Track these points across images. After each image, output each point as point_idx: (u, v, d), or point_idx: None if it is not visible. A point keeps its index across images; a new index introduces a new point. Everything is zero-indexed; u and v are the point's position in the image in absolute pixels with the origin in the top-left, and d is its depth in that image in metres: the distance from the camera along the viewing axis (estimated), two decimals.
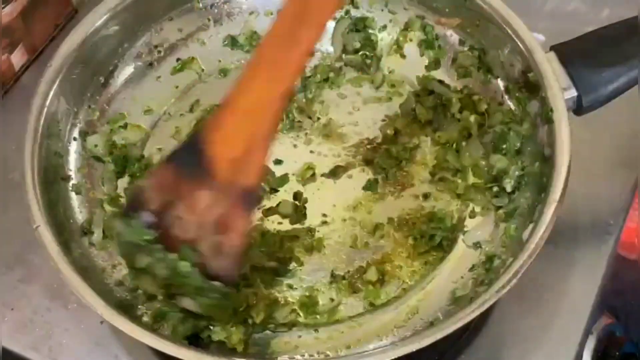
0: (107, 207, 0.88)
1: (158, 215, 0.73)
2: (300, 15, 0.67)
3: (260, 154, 0.70)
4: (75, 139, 0.92)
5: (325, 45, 1.00)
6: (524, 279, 0.76)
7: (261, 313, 0.81)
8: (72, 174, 0.90)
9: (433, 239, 0.86)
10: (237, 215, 0.71)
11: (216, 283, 0.74)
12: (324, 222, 0.89)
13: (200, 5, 0.99)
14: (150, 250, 0.74)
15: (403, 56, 0.98)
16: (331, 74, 0.98)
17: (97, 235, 0.87)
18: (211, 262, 0.73)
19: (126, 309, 0.80)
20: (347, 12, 0.99)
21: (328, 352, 0.80)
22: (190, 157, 0.69)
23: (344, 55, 0.99)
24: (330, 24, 0.99)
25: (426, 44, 0.96)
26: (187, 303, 0.75)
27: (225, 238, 0.72)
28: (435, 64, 0.96)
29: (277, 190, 0.91)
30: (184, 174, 0.70)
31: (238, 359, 0.79)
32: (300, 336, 0.82)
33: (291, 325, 0.83)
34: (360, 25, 0.98)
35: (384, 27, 0.99)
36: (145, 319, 0.81)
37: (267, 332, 0.82)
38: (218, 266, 0.73)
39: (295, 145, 0.94)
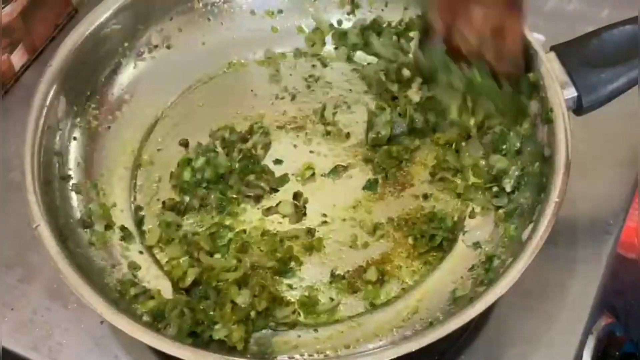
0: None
1: (446, 37, 0.83)
2: None
3: None
4: (75, 138, 0.92)
5: (327, 45, 1.01)
6: (524, 279, 0.76)
7: (263, 302, 0.81)
8: (72, 173, 0.90)
9: (433, 239, 0.86)
10: (509, 20, 0.80)
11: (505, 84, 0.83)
12: (324, 222, 0.89)
13: (200, 5, 1.00)
14: (448, 68, 0.85)
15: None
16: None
17: (98, 227, 0.87)
18: (498, 67, 0.83)
19: (127, 309, 0.80)
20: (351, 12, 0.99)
21: (328, 352, 0.80)
22: None
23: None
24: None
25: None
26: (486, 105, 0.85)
27: (504, 43, 0.81)
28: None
29: (277, 190, 0.91)
30: None
31: (238, 359, 0.79)
32: (300, 336, 0.82)
33: (291, 324, 0.83)
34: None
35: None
36: (145, 318, 0.81)
37: (267, 331, 0.82)
38: (505, 68, 0.83)
39: (295, 145, 0.95)
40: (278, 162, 0.93)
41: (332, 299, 0.85)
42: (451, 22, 0.82)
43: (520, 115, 0.87)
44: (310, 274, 0.86)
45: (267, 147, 0.94)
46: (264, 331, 0.82)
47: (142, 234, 0.89)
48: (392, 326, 0.82)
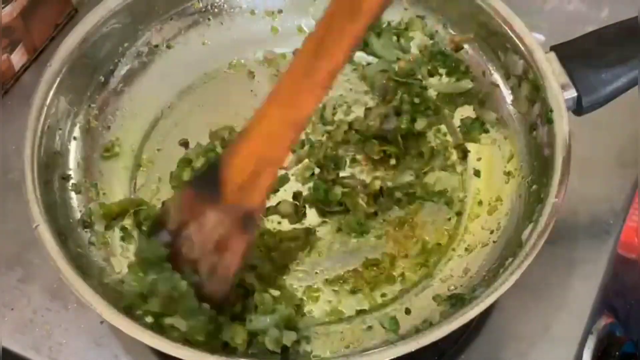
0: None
1: (174, 235, 0.76)
2: (316, 52, 0.69)
3: (266, 179, 0.73)
4: (75, 138, 0.91)
5: None
6: (524, 279, 0.76)
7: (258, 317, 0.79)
8: (72, 173, 0.90)
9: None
10: (235, 237, 0.74)
11: (205, 305, 0.75)
12: (324, 222, 0.89)
13: (200, 5, 0.99)
14: (160, 268, 0.76)
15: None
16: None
17: (97, 227, 0.87)
18: (205, 283, 0.75)
19: (126, 308, 0.80)
20: None
21: (327, 352, 0.80)
22: (207, 180, 0.73)
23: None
24: None
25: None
26: (175, 322, 0.75)
27: (221, 259, 0.74)
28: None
29: (277, 190, 0.91)
30: (199, 196, 0.74)
31: (239, 359, 0.79)
32: (299, 336, 0.82)
33: (290, 325, 0.83)
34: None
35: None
36: (146, 319, 0.81)
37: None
38: (210, 287, 0.76)
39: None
40: None
41: (331, 300, 0.85)
42: (184, 222, 0.75)
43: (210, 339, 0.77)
44: (310, 274, 0.86)
45: None
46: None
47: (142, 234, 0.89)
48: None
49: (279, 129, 0.71)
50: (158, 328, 0.75)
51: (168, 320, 0.74)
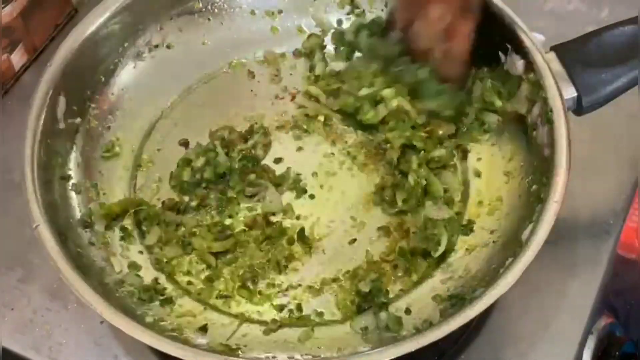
0: None
1: (404, 32, 0.87)
2: None
3: None
4: (75, 138, 0.91)
5: (328, 46, 1.01)
6: (524, 279, 0.76)
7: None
8: (72, 173, 0.90)
9: (432, 240, 0.86)
10: (461, 22, 0.83)
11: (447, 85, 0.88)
12: (324, 222, 0.89)
13: (200, 5, 0.99)
14: (398, 61, 0.88)
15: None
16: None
17: (97, 227, 0.87)
18: (443, 68, 0.87)
19: (126, 308, 0.80)
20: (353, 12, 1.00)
21: (327, 352, 0.80)
22: None
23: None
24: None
25: None
26: (426, 104, 0.88)
27: (453, 44, 0.85)
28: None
29: (279, 185, 0.91)
30: None
31: (238, 359, 0.79)
32: (299, 335, 0.82)
33: (289, 324, 0.83)
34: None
35: None
36: (148, 319, 0.81)
37: (266, 331, 0.83)
38: (447, 70, 0.87)
39: (295, 145, 0.94)
40: (278, 160, 0.93)
41: (330, 300, 0.85)
42: (410, 21, 0.85)
43: (460, 115, 0.90)
44: (310, 274, 0.86)
45: (267, 147, 0.94)
46: (263, 331, 0.82)
47: (142, 234, 0.89)
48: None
49: None
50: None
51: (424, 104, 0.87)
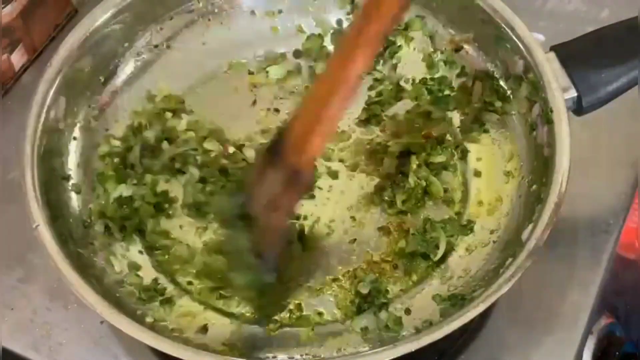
0: None
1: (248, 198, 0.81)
2: (368, 16, 0.72)
3: (316, 138, 0.74)
4: (75, 138, 0.91)
5: (328, 46, 1.01)
6: (524, 279, 0.76)
7: None
8: (72, 173, 0.90)
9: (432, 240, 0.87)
10: (285, 194, 0.76)
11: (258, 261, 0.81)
12: (324, 222, 0.89)
13: (200, 5, 0.99)
14: (234, 225, 0.82)
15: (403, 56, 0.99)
16: None
17: (97, 227, 0.87)
18: (261, 239, 0.80)
19: (126, 309, 0.80)
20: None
21: (327, 352, 0.80)
22: (276, 143, 0.76)
23: None
24: None
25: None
26: (236, 277, 0.82)
27: (276, 214, 0.78)
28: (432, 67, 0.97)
29: None
30: (266, 159, 0.77)
31: (238, 359, 0.79)
32: (299, 336, 0.82)
33: (289, 324, 0.83)
34: None
35: None
36: (148, 319, 0.81)
37: (266, 331, 0.83)
38: (264, 243, 0.80)
39: None
40: None
41: (330, 299, 0.85)
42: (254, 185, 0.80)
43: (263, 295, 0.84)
44: (309, 274, 0.86)
45: None
46: (263, 331, 0.82)
47: (141, 234, 0.89)
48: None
49: (331, 87, 0.73)
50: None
51: (232, 275, 0.81)
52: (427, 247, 0.85)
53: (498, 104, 0.91)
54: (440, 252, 0.85)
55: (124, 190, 0.87)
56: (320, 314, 0.84)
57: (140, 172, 0.89)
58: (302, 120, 0.74)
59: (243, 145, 0.94)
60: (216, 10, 1.00)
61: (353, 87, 0.72)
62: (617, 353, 0.99)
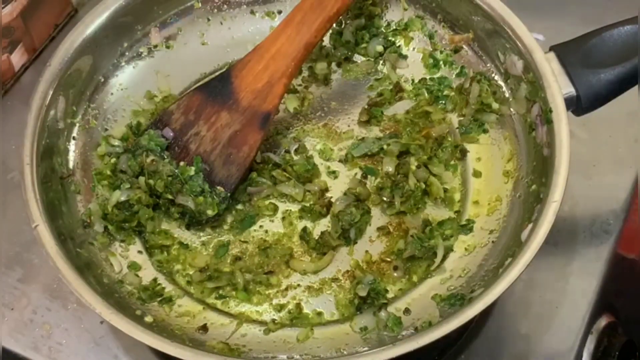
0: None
1: (178, 132, 0.90)
2: None
3: (279, 88, 0.88)
4: (74, 138, 0.92)
5: (328, 46, 1.01)
6: (524, 279, 0.76)
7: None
8: (71, 173, 0.90)
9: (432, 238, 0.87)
10: (252, 132, 0.88)
11: (218, 187, 0.88)
12: (324, 222, 0.89)
13: (200, 5, 1.00)
14: (160, 156, 0.89)
15: (403, 56, 0.98)
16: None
17: (97, 227, 0.87)
18: (218, 170, 0.88)
19: (126, 309, 0.80)
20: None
21: (326, 352, 0.80)
22: (219, 87, 0.89)
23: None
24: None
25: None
26: (185, 200, 0.87)
27: (237, 150, 0.88)
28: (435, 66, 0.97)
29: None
30: (211, 99, 0.89)
31: (237, 359, 0.79)
32: (298, 336, 0.82)
33: (288, 324, 0.83)
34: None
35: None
36: (147, 319, 0.81)
37: (265, 331, 0.83)
38: (223, 173, 0.88)
39: (295, 145, 0.94)
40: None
41: (330, 299, 0.85)
42: (191, 122, 0.90)
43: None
44: (309, 274, 0.86)
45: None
46: (263, 331, 0.83)
47: (141, 234, 0.89)
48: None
49: (290, 48, 0.88)
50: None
51: (179, 199, 0.87)
52: (425, 254, 0.85)
53: (495, 106, 0.91)
54: (438, 260, 0.85)
55: (120, 195, 0.87)
56: (319, 313, 0.84)
57: (132, 175, 0.89)
58: (262, 63, 0.86)
59: None
60: (216, 10, 1.00)
61: (302, 22, 0.85)
62: (617, 353, 0.99)
